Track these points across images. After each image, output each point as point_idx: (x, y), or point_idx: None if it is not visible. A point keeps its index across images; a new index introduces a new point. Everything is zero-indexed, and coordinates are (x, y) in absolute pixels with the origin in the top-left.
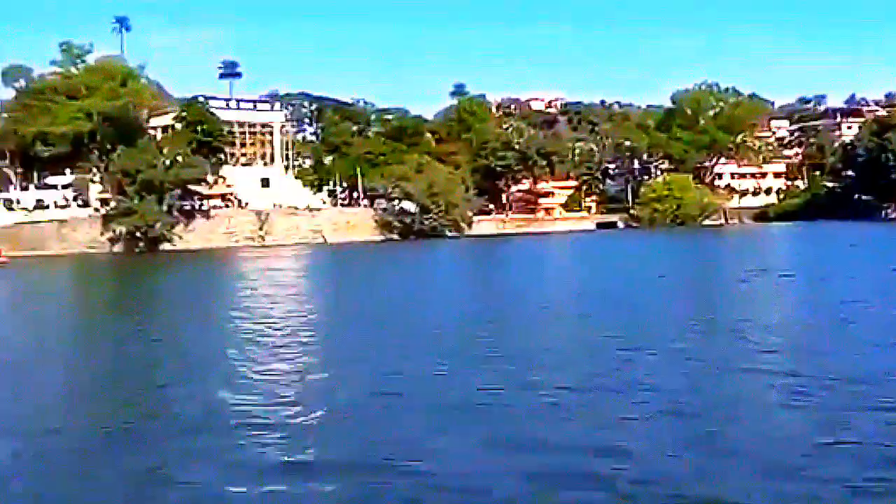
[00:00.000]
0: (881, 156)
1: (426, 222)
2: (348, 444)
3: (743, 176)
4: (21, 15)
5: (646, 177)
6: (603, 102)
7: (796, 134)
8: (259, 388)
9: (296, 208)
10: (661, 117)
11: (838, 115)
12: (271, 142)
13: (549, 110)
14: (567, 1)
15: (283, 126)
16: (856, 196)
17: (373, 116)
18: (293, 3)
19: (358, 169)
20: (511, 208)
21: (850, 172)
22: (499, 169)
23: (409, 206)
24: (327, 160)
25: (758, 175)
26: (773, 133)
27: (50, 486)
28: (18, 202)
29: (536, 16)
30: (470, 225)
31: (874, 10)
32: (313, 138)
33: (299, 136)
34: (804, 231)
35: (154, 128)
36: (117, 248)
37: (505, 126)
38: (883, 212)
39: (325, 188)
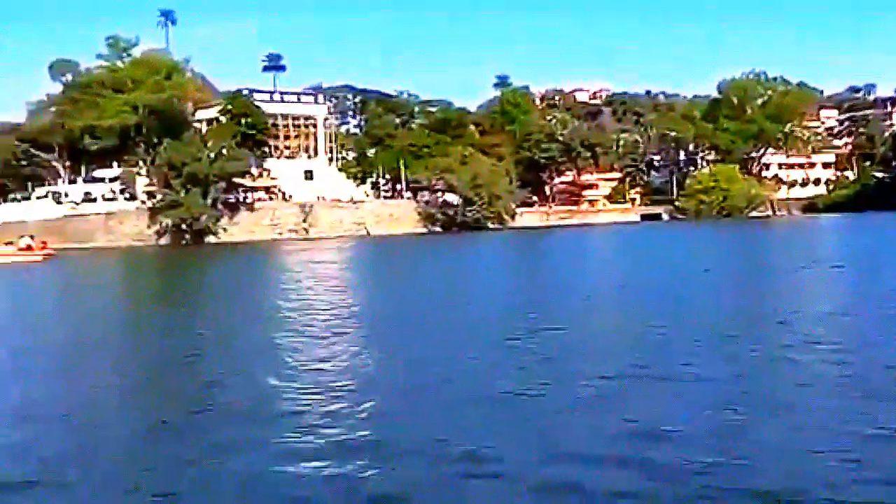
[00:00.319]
0: None
1: (469, 214)
2: (392, 432)
3: (791, 166)
4: (68, 9)
5: (691, 168)
6: (648, 93)
7: (846, 123)
8: (303, 378)
9: (339, 201)
10: (707, 107)
11: (888, 104)
12: (315, 134)
13: (593, 101)
14: None
15: (326, 119)
16: None
17: (416, 108)
18: None
19: (401, 161)
20: (554, 200)
21: None
22: (542, 161)
23: (452, 198)
24: (370, 152)
25: (806, 165)
26: (822, 123)
27: (103, 473)
28: (66, 195)
29: (582, 6)
30: (513, 217)
31: None
32: (357, 131)
33: (343, 129)
34: (853, 222)
35: (199, 121)
36: (163, 240)
37: (548, 117)
38: None
39: (369, 180)
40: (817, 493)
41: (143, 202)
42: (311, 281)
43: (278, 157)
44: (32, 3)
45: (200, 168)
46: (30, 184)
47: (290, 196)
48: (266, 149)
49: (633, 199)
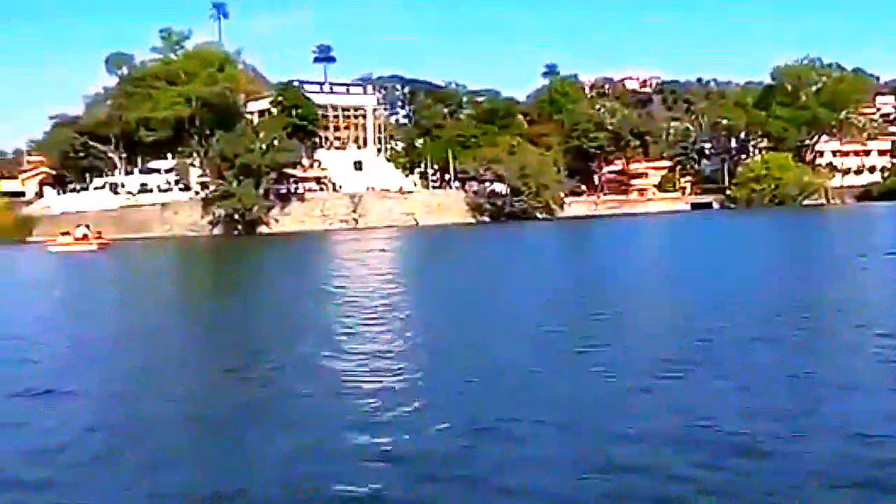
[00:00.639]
0: None
1: (517, 204)
2: (438, 420)
3: (846, 154)
4: (124, 4)
5: (743, 156)
6: (700, 80)
7: None
8: (352, 365)
9: (388, 191)
10: (759, 94)
11: None
12: (364, 125)
13: (643, 89)
14: None
15: (375, 109)
16: None
17: (464, 99)
18: None
19: (449, 151)
20: (603, 190)
21: None
22: (591, 150)
23: (500, 188)
24: (419, 143)
25: (861, 153)
26: (878, 109)
27: (158, 457)
28: (123, 186)
29: None
30: (561, 206)
31: None
32: (405, 121)
33: (392, 120)
34: None
35: (251, 112)
36: (217, 230)
37: (597, 106)
38: None
39: (417, 171)
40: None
41: (197, 193)
42: (362, 270)
43: (328, 148)
44: None
45: (252, 159)
46: (88, 175)
47: (340, 186)
48: (316, 140)
49: (683, 188)
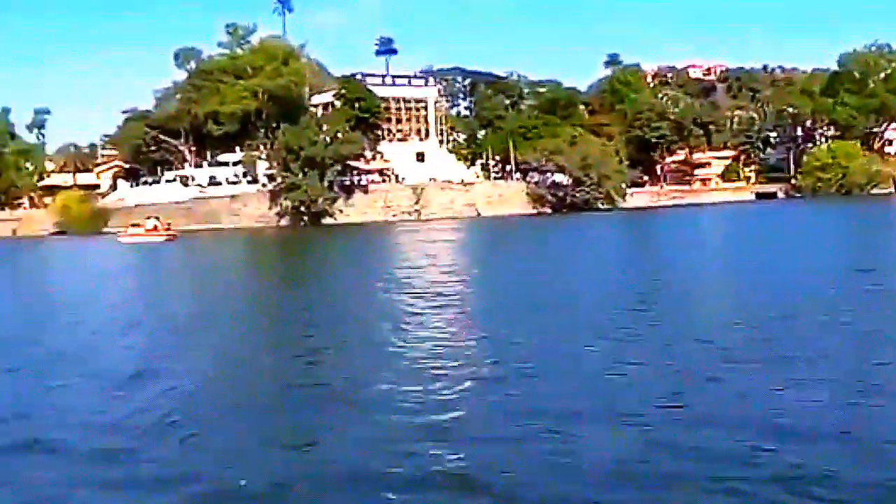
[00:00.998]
0: None
1: (578, 195)
2: (492, 413)
3: None
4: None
5: (809, 144)
6: (765, 68)
7: None
8: (411, 355)
9: (450, 182)
10: (826, 81)
11: None
12: (426, 117)
13: (707, 78)
14: None
15: (437, 101)
16: None
17: (526, 90)
18: None
19: (511, 142)
20: (666, 180)
21: None
22: (653, 140)
23: (561, 178)
24: (480, 134)
25: None
26: None
27: (217, 443)
28: (193, 179)
29: None
30: (623, 197)
31: None
32: (467, 113)
33: (453, 111)
34: None
35: (315, 105)
36: (283, 221)
37: (660, 95)
38: None
39: (479, 162)
40: None
41: (264, 185)
42: (423, 260)
43: (390, 140)
44: None
45: (317, 151)
46: (159, 168)
47: (402, 178)
48: (379, 132)
49: (748, 178)
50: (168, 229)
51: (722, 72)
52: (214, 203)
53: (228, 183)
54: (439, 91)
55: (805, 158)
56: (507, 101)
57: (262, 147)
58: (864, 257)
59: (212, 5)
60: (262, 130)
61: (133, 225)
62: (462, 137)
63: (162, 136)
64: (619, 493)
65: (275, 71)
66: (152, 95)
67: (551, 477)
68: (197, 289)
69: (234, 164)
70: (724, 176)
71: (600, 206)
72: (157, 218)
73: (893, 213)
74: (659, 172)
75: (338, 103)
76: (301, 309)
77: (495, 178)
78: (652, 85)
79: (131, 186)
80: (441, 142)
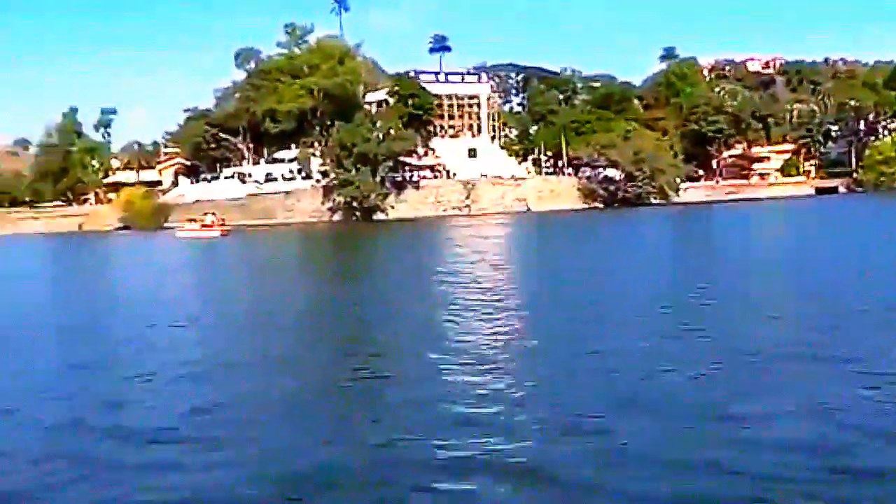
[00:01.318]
0: None
1: (630, 190)
2: (543, 409)
3: None
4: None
5: (871, 138)
6: (826, 60)
7: None
8: (462, 350)
9: (501, 178)
10: (890, 73)
11: None
12: (478, 113)
13: (766, 71)
14: None
15: (489, 97)
16: None
17: (579, 85)
18: None
19: (563, 138)
20: (722, 174)
21: None
22: (709, 134)
23: (613, 173)
24: (533, 130)
25: None
26: None
27: (270, 436)
28: (250, 175)
29: None
30: (677, 192)
31: None
32: (520, 109)
33: (506, 107)
34: None
35: (369, 103)
36: (336, 217)
37: (717, 89)
38: None
39: (531, 158)
40: None
41: (318, 181)
42: (474, 256)
43: (443, 137)
44: None
45: (369, 148)
46: (218, 165)
47: (454, 174)
48: (431, 128)
49: (808, 172)
50: (222, 224)
51: (781, 64)
52: (269, 199)
53: (284, 179)
54: (492, 87)
55: (867, 152)
56: (561, 97)
57: (316, 144)
58: None
59: (272, 7)
60: (318, 128)
61: (189, 220)
62: (514, 133)
63: (221, 134)
64: (675, 486)
65: (331, 70)
66: (213, 95)
67: (602, 469)
68: (252, 284)
69: (290, 160)
70: (784, 170)
71: (653, 200)
72: (214, 213)
73: None
74: (715, 167)
75: (391, 101)
76: (354, 303)
77: (547, 174)
78: (709, 78)
79: (191, 183)
80: (493, 137)
